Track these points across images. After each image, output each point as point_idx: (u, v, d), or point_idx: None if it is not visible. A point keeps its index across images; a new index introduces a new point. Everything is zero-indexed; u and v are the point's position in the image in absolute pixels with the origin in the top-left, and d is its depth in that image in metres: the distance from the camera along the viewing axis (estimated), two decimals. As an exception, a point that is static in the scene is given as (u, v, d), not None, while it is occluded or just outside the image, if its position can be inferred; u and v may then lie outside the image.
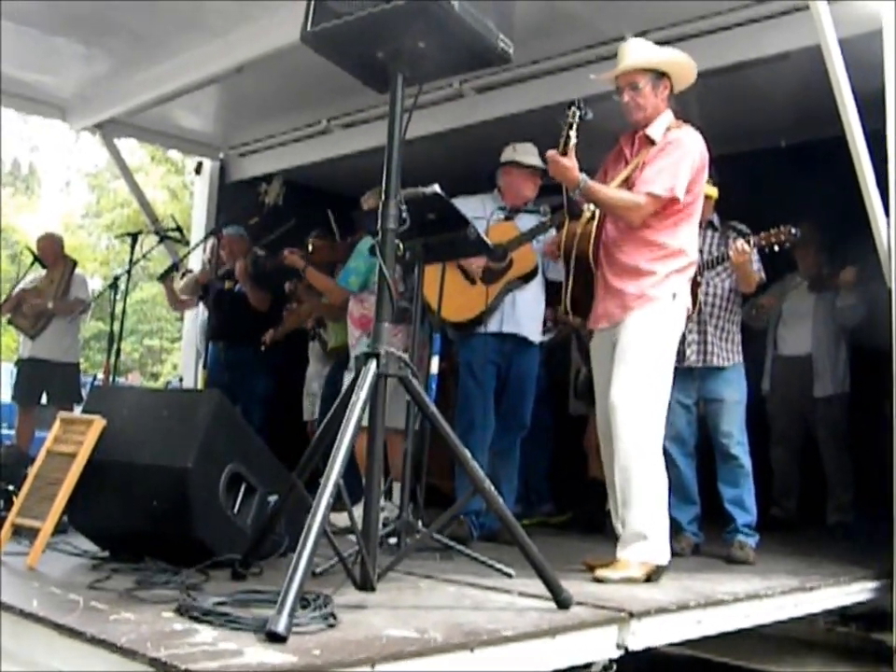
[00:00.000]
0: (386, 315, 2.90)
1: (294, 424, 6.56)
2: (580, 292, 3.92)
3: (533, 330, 4.84)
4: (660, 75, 3.79)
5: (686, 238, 3.75)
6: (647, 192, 3.61)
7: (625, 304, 3.69)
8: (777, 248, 4.46)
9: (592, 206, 3.87)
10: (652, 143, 3.76)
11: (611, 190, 3.70)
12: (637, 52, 3.79)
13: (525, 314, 4.78)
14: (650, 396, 3.59)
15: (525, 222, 4.77)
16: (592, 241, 3.80)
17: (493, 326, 4.72)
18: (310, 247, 6.18)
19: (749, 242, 4.44)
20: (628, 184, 3.75)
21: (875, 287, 4.43)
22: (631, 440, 3.54)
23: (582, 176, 3.59)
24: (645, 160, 3.73)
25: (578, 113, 3.56)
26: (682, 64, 3.84)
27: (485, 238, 4.08)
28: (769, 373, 6.22)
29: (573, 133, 3.56)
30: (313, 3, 2.93)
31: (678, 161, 3.64)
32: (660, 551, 3.54)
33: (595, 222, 3.82)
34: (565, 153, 3.57)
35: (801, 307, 6.09)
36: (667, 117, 3.81)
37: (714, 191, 4.55)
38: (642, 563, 3.49)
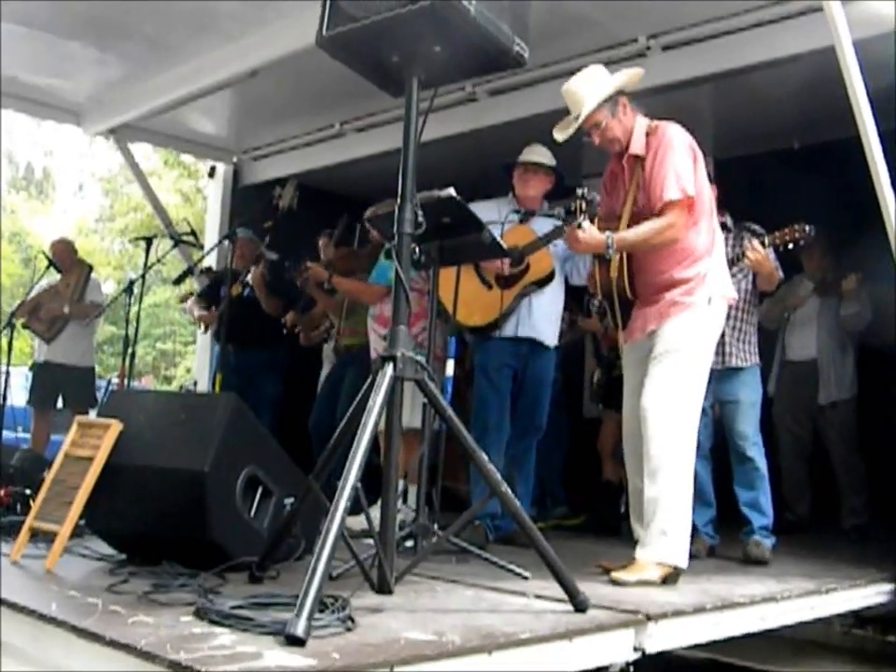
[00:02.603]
0: (403, 318, 2.90)
1: (303, 427, 6.58)
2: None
3: (550, 334, 4.81)
4: (615, 99, 3.72)
5: (708, 234, 3.74)
6: (665, 205, 3.57)
7: (661, 313, 3.68)
8: (791, 246, 4.43)
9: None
10: (641, 158, 3.73)
11: (639, 230, 3.64)
12: (587, 98, 3.68)
13: (542, 317, 4.76)
14: (682, 400, 3.57)
15: (541, 225, 4.74)
16: (626, 277, 3.76)
17: (508, 330, 4.70)
18: (320, 244, 6.14)
19: (763, 242, 4.43)
20: (636, 206, 3.74)
21: (882, 290, 4.40)
22: (662, 444, 3.51)
23: (606, 234, 3.58)
24: (644, 177, 3.70)
25: (583, 202, 3.61)
26: (627, 80, 3.78)
27: (501, 241, 4.07)
28: (776, 377, 6.20)
29: (584, 218, 3.59)
30: (328, 7, 2.94)
31: (673, 160, 3.60)
32: (679, 552, 3.51)
33: (624, 258, 3.77)
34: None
35: (807, 311, 6.07)
36: (641, 125, 3.75)
37: None
38: (659, 564, 3.48)
